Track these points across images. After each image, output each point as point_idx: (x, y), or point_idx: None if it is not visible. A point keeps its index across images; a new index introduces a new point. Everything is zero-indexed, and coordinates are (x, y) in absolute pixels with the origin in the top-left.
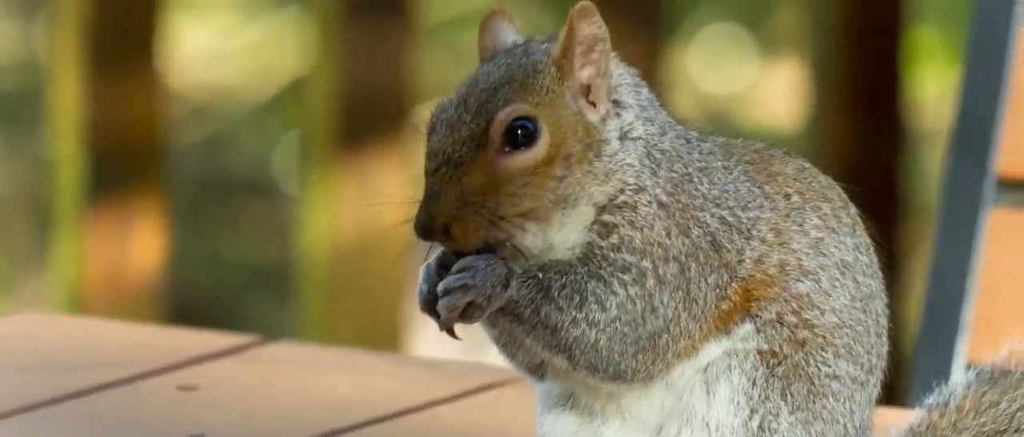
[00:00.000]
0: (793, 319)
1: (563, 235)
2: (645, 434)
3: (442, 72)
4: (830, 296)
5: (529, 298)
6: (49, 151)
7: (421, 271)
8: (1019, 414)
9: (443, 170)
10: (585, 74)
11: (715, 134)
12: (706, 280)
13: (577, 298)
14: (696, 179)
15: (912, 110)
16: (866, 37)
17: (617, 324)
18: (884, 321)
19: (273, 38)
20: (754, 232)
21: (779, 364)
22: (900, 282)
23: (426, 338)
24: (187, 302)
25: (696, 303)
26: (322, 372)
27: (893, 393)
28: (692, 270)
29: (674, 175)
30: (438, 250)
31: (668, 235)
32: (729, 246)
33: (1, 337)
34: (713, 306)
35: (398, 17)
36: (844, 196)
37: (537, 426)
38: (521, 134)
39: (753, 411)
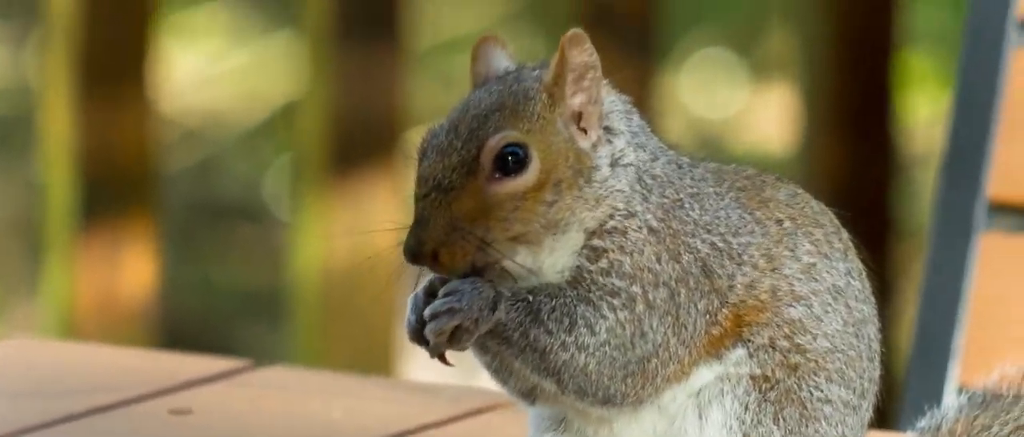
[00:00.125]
0: (785, 344)
1: (553, 259)
2: None
3: (434, 97)
4: (822, 321)
5: (518, 321)
6: (40, 176)
7: (409, 301)
8: None
9: (433, 196)
10: (576, 101)
11: (707, 159)
12: (696, 305)
13: (566, 321)
14: (687, 205)
15: (903, 134)
16: (857, 61)
17: (606, 348)
18: (876, 346)
19: (264, 62)
20: (745, 258)
21: (771, 389)
22: (892, 306)
23: (418, 362)
24: (179, 326)
25: (685, 328)
26: (314, 396)
27: (885, 417)
28: (682, 295)
29: (665, 201)
30: (428, 277)
31: (658, 260)
32: (720, 272)
33: None
34: (703, 331)
35: (390, 41)
36: (836, 222)
37: None
38: (512, 161)
39: (746, 435)
